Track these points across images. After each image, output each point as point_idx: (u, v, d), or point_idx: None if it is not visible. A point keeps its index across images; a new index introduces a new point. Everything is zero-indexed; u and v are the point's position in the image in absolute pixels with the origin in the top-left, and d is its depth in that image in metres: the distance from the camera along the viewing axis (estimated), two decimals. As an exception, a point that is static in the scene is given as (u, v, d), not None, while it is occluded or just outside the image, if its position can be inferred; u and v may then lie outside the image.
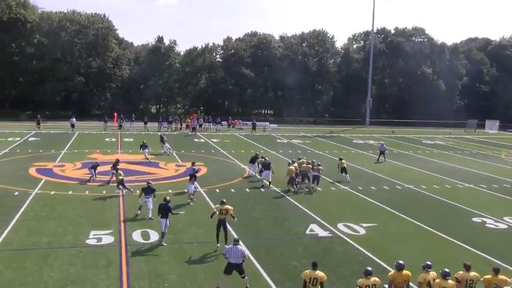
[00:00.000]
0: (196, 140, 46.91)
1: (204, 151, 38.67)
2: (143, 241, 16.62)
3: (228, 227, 16.59)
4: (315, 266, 11.22)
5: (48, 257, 14.88)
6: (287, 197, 23.96)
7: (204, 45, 78.37)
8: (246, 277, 12.98)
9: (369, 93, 73.20)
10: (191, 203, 21.72)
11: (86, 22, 69.46)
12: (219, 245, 16.04)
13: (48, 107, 67.47)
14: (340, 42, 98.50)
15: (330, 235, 18.08)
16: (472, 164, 37.24)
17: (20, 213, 19.38)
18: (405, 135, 59.61)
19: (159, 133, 45.10)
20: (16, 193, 22.59)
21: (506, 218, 21.28)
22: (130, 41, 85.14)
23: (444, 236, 18.51)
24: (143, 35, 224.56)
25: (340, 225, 19.12)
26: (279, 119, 73.87)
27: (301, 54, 78.84)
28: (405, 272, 11.22)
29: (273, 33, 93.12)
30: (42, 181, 25.40)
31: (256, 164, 28.62)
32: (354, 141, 51.32)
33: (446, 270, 10.88)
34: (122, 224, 18.48)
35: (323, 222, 19.58)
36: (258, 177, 27.53)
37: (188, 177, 22.75)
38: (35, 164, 29.93)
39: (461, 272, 11.23)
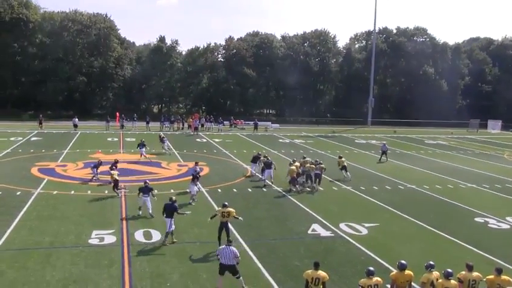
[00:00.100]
0: (198, 139, 46.93)
1: (206, 151, 38.68)
2: (145, 241, 16.63)
3: (230, 227, 16.58)
4: (317, 266, 11.21)
5: (51, 256, 14.90)
6: (289, 196, 23.96)
7: (205, 45, 78.53)
8: (241, 277, 12.91)
9: (371, 93, 73.12)
10: (193, 203, 21.72)
11: (88, 22, 69.58)
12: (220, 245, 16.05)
13: (50, 107, 67.60)
14: (342, 42, 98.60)
15: (332, 235, 18.07)
16: (474, 164, 37.17)
17: (22, 212, 19.42)
18: (408, 135, 59.55)
19: (160, 133, 45.13)
20: (18, 193, 22.63)
21: (508, 218, 21.23)
22: (131, 41, 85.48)
23: (446, 236, 18.48)
24: (145, 35, 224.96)
25: (342, 225, 19.11)
26: (281, 118, 73.85)
27: (303, 54, 78.84)
28: (407, 272, 11.20)
29: (275, 33, 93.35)
30: (45, 181, 25.43)
31: (258, 163, 28.67)
32: (356, 141, 51.28)
33: (449, 270, 10.85)
34: (124, 223, 18.50)
35: (325, 222, 19.57)
36: (260, 176, 27.63)
37: (191, 178, 22.81)
38: (37, 164, 29.97)
39: (463, 272, 11.20)
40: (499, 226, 20.22)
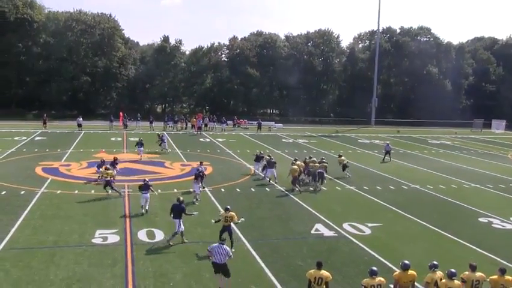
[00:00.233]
0: (201, 139, 46.97)
1: (210, 151, 38.71)
2: (148, 240, 16.67)
3: (233, 226, 16.60)
4: (320, 266, 11.21)
5: (55, 255, 14.96)
6: (292, 196, 23.95)
7: (209, 45, 78.60)
8: (230, 278, 12.85)
9: (375, 93, 73.02)
10: (196, 203, 21.76)
11: (92, 22, 69.70)
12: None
13: (54, 107, 67.77)
14: (345, 41, 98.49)
15: (336, 235, 18.06)
16: (478, 164, 37.07)
17: (26, 212, 19.49)
18: (411, 134, 59.43)
19: (164, 132, 45.24)
20: (22, 192, 22.71)
21: (512, 218, 21.18)
22: (135, 41, 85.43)
23: (450, 236, 18.45)
24: (149, 35, 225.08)
25: (345, 225, 19.10)
26: (284, 118, 73.82)
27: (306, 54, 78.79)
28: (410, 272, 11.19)
29: (279, 32, 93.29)
30: (49, 180, 25.51)
31: (260, 162, 28.81)
32: (359, 140, 51.22)
33: (452, 270, 10.84)
34: (127, 223, 18.54)
35: (328, 221, 19.57)
36: (262, 175, 27.88)
37: (194, 177, 22.88)
38: (41, 163, 30.07)
39: (467, 273, 11.19)
40: (503, 226, 20.17)
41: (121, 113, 57.40)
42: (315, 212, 21.12)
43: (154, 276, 13.76)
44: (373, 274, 10.84)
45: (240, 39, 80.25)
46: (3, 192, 22.52)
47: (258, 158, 29.32)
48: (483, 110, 76.76)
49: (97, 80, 70.48)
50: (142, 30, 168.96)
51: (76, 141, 41.57)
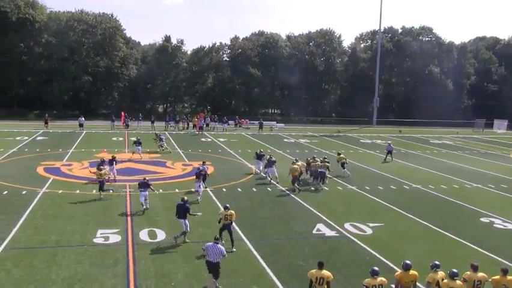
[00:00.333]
0: (203, 139, 46.98)
1: (211, 150, 38.72)
2: (150, 240, 16.69)
3: (235, 226, 16.60)
4: (321, 266, 11.20)
5: (56, 255, 14.97)
6: (293, 196, 23.95)
7: (211, 45, 78.59)
8: (218, 279, 12.81)
9: (377, 93, 72.95)
10: (199, 201, 21.80)
11: (93, 22, 69.73)
12: (223, 242, 16.05)
13: (56, 107, 67.84)
14: (347, 41, 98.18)
15: (337, 235, 18.05)
16: (480, 164, 37.02)
17: (28, 212, 19.52)
18: (413, 134, 59.37)
19: (166, 132, 45.28)
20: (24, 192, 22.74)
21: (514, 218, 21.14)
22: (137, 41, 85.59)
23: (452, 236, 18.43)
24: (151, 35, 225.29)
25: (347, 225, 19.09)
26: (286, 118, 73.78)
27: (308, 54, 78.69)
28: (412, 272, 11.17)
29: (280, 32, 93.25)
30: (50, 180, 25.54)
31: (262, 161, 29.06)
32: (361, 140, 51.18)
33: (454, 270, 10.81)
34: (129, 223, 18.55)
35: (329, 221, 19.56)
36: (263, 175, 28.03)
37: (195, 176, 22.93)
38: (42, 163, 30.10)
39: (468, 273, 11.16)
40: (504, 226, 20.14)
41: (122, 113, 57.44)
42: (316, 212, 21.11)
43: (155, 276, 13.77)
44: (374, 274, 10.83)
45: (241, 39, 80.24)
46: (5, 192, 22.56)
47: (259, 157, 29.45)
48: (485, 109, 76.64)
49: (99, 79, 70.53)
50: (143, 30, 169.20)
51: (78, 141, 41.61)
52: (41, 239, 16.41)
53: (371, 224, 19.32)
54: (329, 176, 27.52)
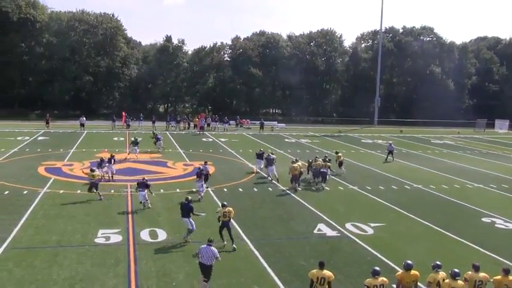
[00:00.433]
0: (204, 139, 46.98)
1: (212, 150, 38.72)
2: (151, 240, 16.68)
3: (236, 226, 16.60)
4: (322, 266, 11.18)
5: (58, 255, 14.97)
6: (295, 196, 23.94)
7: (212, 45, 78.59)
8: (208, 283, 12.71)
9: (378, 93, 72.92)
10: (201, 200, 21.84)
11: (94, 22, 69.81)
12: (225, 242, 16.09)
13: (57, 107, 67.91)
14: (348, 41, 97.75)
15: (338, 235, 18.04)
16: (481, 164, 36.98)
17: (29, 212, 19.53)
18: (414, 134, 59.33)
19: (167, 132, 45.29)
20: (25, 192, 22.75)
21: (516, 218, 21.11)
22: (138, 41, 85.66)
23: (453, 236, 18.40)
24: (152, 35, 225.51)
25: (348, 225, 19.07)
26: (287, 118, 73.80)
27: (309, 54, 78.67)
28: (413, 272, 11.15)
29: (281, 32, 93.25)
30: (51, 180, 25.55)
31: (263, 160, 29.18)
32: (362, 140, 51.16)
33: (456, 270, 10.79)
34: (130, 222, 18.56)
35: (330, 221, 19.54)
36: (264, 174, 28.15)
37: (196, 176, 22.99)
38: (43, 163, 30.13)
39: (470, 273, 11.15)
40: (506, 226, 20.11)
41: (123, 113, 57.46)
42: (317, 211, 21.10)
43: (156, 276, 13.77)
44: (376, 274, 10.81)
45: (242, 39, 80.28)
46: (6, 192, 22.57)
47: (259, 156, 29.63)
48: (486, 109, 76.55)
49: (100, 79, 70.60)
50: (144, 30, 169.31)
51: (79, 141, 41.63)
52: (42, 239, 16.41)
53: (372, 224, 19.30)
54: (329, 175, 27.56)
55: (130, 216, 19.47)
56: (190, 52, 79.63)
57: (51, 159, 32.07)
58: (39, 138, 42.88)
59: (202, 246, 13.02)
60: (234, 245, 15.93)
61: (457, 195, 25.50)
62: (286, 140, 49.21)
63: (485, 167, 35.32)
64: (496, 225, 20.27)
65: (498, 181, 30.01)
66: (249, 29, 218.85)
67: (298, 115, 74.07)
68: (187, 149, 38.80)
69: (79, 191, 23.25)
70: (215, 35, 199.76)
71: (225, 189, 24.82)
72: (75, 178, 26.30)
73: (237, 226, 18.22)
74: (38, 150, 35.75)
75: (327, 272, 11.08)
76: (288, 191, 24.74)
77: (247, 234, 17.56)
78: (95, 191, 21.72)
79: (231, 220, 16.45)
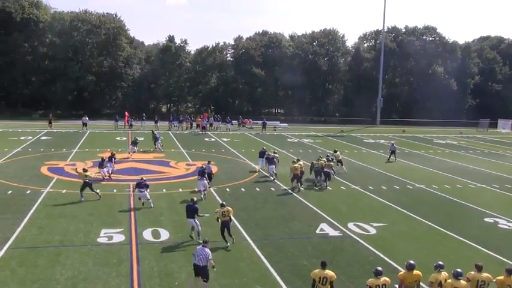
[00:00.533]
0: (206, 139, 47.00)
1: (215, 150, 38.74)
2: (153, 240, 16.71)
3: (238, 225, 16.62)
4: (324, 266, 11.18)
5: (60, 255, 15.02)
6: (297, 196, 23.94)
7: (214, 45, 78.67)
8: (208, 283, 12.64)
9: (380, 93, 72.84)
10: (203, 199, 21.96)
11: (97, 22, 69.92)
12: (229, 244, 16.11)
13: (60, 106, 68.09)
14: (350, 41, 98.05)
15: (341, 234, 18.04)
16: (484, 164, 36.91)
17: (32, 211, 19.58)
18: (416, 134, 59.23)
19: (170, 132, 45.30)
20: (28, 191, 22.82)
21: (518, 218, 21.07)
22: (141, 41, 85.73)
23: (455, 236, 18.38)
24: (154, 35, 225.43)
25: (350, 225, 19.07)
26: (289, 118, 73.72)
27: (311, 54, 78.62)
28: (415, 272, 11.15)
29: (283, 32, 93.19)
30: (54, 180, 25.61)
31: (264, 158, 29.46)
32: (365, 140, 51.11)
33: (458, 270, 10.77)
34: (132, 222, 18.59)
35: (333, 221, 19.54)
36: (267, 174, 28.28)
37: (198, 175, 23.12)
38: (46, 163, 30.20)
39: (472, 273, 11.13)
40: (509, 226, 20.07)
41: (126, 113, 57.53)
42: (320, 211, 21.10)
43: (159, 275, 13.79)
44: (378, 274, 10.81)
45: (245, 39, 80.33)
46: (9, 192, 22.64)
47: (262, 154, 29.90)
48: (489, 109, 76.34)
49: (102, 79, 70.71)
50: (147, 30, 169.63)
51: (81, 140, 41.71)
52: (45, 239, 16.46)
53: (374, 224, 19.30)
54: (333, 175, 27.62)
55: (132, 215, 19.50)
56: (192, 52, 79.80)
57: (54, 159, 32.14)
58: (42, 138, 42.97)
59: (198, 247, 13.02)
60: (233, 243, 16.12)
61: (459, 195, 25.46)
62: (288, 139, 49.20)
63: (488, 167, 35.25)
64: (498, 225, 20.24)
65: (501, 181, 29.95)
66: (251, 29, 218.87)
67: (301, 115, 74.05)
68: (190, 148, 38.83)
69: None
70: (217, 35, 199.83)
71: (228, 189, 24.84)
72: (78, 178, 26.21)
73: (239, 226, 18.25)
74: (41, 150, 35.83)
75: (329, 272, 11.08)
76: (290, 191, 24.74)
77: (249, 234, 17.58)
78: (90, 190, 21.51)
79: (232, 219, 16.47)
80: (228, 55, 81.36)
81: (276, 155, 29.25)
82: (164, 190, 23.90)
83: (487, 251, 16.79)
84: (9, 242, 15.91)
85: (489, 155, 42.62)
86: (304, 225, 19.08)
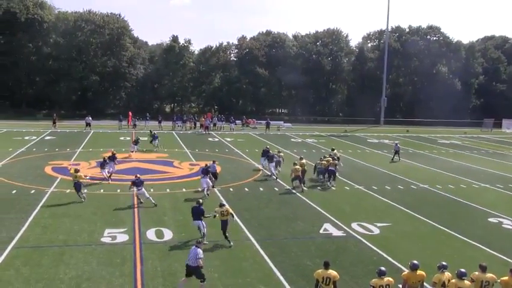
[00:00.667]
0: (210, 139, 47.03)
1: (218, 150, 38.76)
2: (157, 239, 16.73)
3: (241, 224, 16.63)
4: (327, 266, 11.17)
5: (64, 254, 15.05)
6: (301, 196, 23.92)
7: (218, 44, 78.71)
8: (205, 282, 12.62)
9: (384, 92, 72.71)
10: (207, 197, 22.06)
11: (101, 22, 70.08)
12: (231, 243, 16.13)
13: (64, 106, 68.29)
14: (354, 41, 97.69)
15: (344, 234, 18.01)
16: (488, 164, 36.79)
17: (36, 211, 19.64)
18: (420, 134, 59.10)
19: (174, 132, 45.32)
20: (32, 191, 22.89)
21: (523, 219, 20.98)
22: (144, 41, 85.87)
23: (459, 236, 18.33)
24: (158, 35, 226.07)
25: (354, 225, 19.04)
26: (293, 118, 73.72)
27: (315, 53, 78.53)
28: (419, 272, 11.12)
29: (287, 32, 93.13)
30: (58, 179, 25.68)
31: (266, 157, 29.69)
32: (368, 140, 51.04)
33: (462, 270, 10.74)
34: (136, 222, 18.62)
35: (336, 221, 19.51)
36: (267, 172, 28.63)
37: (201, 174, 23.32)
38: (51, 163, 30.28)
39: (476, 273, 11.09)
40: (513, 227, 20.00)
41: (129, 113, 57.63)
42: (323, 211, 21.08)
43: (162, 275, 13.80)
44: (381, 274, 10.79)
45: (248, 38, 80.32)
46: (14, 191, 22.72)
47: (265, 153, 30.02)
48: (493, 109, 76.13)
49: (106, 79, 70.87)
50: (151, 30, 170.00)
51: (85, 140, 41.81)
52: (49, 238, 16.51)
53: (378, 224, 19.26)
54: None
55: (136, 215, 19.54)
56: (196, 52, 79.95)
57: (58, 158, 32.23)
58: (47, 137, 43.10)
59: (192, 247, 13.00)
60: (231, 243, 16.26)
61: (463, 195, 25.39)
62: (292, 139, 49.17)
63: (492, 167, 35.14)
64: (503, 225, 20.17)
65: (505, 181, 29.85)
66: (255, 29, 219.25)
67: (304, 115, 74.02)
68: (193, 148, 38.86)
69: (85, 191, 23.29)
70: (221, 35, 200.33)
71: (231, 189, 24.84)
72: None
73: (242, 226, 18.27)
74: (45, 149, 35.93)
75: (332, 272, 11.07)
76: (293, 191, 24.73)
77: (253, 234, 17.58)
78: (77, 192, 21.27)
79: (235, 217, 16.49)
80: (232, 55, 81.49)
81: (281, 154, 29.59)
82: (167, 190, 23.93)
83: (491, 251, 16.74)
84: (14, 242, 15.96)
85: (493, 155, 42.48)
86: (308, 225, 19.06)
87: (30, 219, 18.49)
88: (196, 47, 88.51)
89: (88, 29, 69.06)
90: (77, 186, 21.31)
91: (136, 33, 78.06)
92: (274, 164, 27.80)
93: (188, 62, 75.52)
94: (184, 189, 24.11)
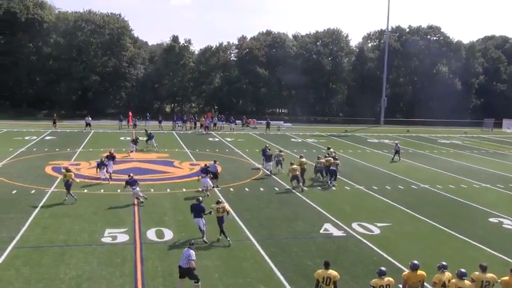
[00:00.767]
0: (210, 139, 47.03)
1: (218, 150, 38.76)
2: (157, 239, 16.73)
3: (241, 224, 16.63)
4: (327, 265, 11.17)
5: (64, 254, 15.05)
6: (301, 196, 23.91)
7: (218, 44, 78.67)
8: (199, 283, 12.55)
9: (384, 92, 72.68)
10: (207, 196, 22.05)
11: (101, 22, 70.05)
12: (231, 242, 16.15)
13: (64, 106, 68.27)
14: (354, 41, 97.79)
15: (345, 234, 18.01)
16: (488, 164, 36.77)
17: (36, 211, 19.64)
18: (421, 134, 59.09)
19: (174, 132, 45.31)
20: (33, 191, 22.89)
21: (523, 219, 20.98)
22: (144, 41, 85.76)
23: (460, 236, 18.32)
24: (158, 35, 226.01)
25: (354, 225, 19.04)
26: (293, 118, 73.70)
27: (315, 53, 78.45)
28: (419, 272, 11.12)
29: (287, 32, 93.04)
30: (58, 179, 25.58)
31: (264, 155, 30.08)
32: (368, 140, 51.03)
33: (462, 270, 10.73)
34: (136, 222, 18.62)
35: (337, 221, 19.51)
36: (265, 171, 28.74)
37: (201, 173, 23.40)
38: (51, 163, 30.28)
39: (477, 273, 11.09)
40: (513, 226, 19.99)
41: (130, 113, 57.63)
42: (324, 211, 21.08)
43: (162, 275, 13.80)
44: (382, 274, 10.79)
45: (248, 38, 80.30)
46: (14, 191, 22.72)
47: (264, 152, 30.32)
48: (494, 109, 76.07)
49: (106, 79, 70.82)
50: (151, 30, 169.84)
51: (86, 140, 41.81)
52: (50, 238, 16.51)
53: (378, 224, 19.26)
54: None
55: (136, 215, 19.53)
56: (196, 52, 79.89)
57: (58, 158, 32.23)
58: (47, 137, 43.10)
59: (185, 248, 12.96)
60: (220, 236, 16.43)
61: (464, 195, 25.38)
62: (292, 139, 49.17)
63: (493, 167, 35.13)
64: (503, 225, 20.16)
65: (505, 181, 29.84)
66: (255, 29, 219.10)
67: (305, 115, 74.00)
68: (194, 148, 38.86)
69: (85, 191, 23.37)
70: (221, 35, 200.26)
71: (231, 189, 24.85)
72: (82, 178, 26.38)
73: (243, 226, 18.27)
74: (46, 149, 35.94)
75: (332, 272, 11.07)
76: (294, 191, 24.72)
77: (253, 234, 17.58)
78: (67, 192, 21.12)
79: (229, 214, 16.56)
80: (232, 55, 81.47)
81: (282, 154, 29.81)
82: (168, 190, 23.94)
83: (491, 251, 16.73)
84: (14, 242, 15.97)
85: (494, 155, 42.46)
86: (308, 225, 19.06)
87: (30, 219, 18.49)
88: (196, 47, 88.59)
89: (88, 29, 69.03)
90: (67, 185, 21.18)
91: (136, 33, 78.13)
92: (271, 163, 28.23)
93: (188, 62, 75.49)
94: (184, 189, 24.11)
